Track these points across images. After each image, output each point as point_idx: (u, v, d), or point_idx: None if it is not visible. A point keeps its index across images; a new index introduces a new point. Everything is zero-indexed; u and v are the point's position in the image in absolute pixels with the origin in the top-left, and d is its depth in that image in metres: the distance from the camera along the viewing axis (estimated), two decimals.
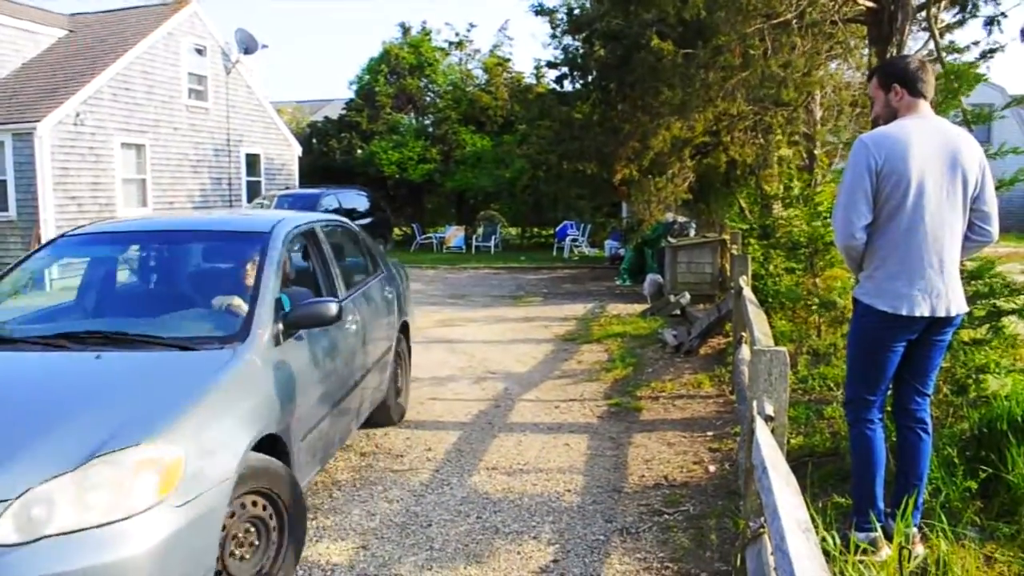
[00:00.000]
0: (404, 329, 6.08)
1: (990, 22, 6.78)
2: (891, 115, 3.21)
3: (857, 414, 3.29)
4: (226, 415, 3.07)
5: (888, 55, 5.99)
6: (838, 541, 2.84)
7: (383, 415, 5.52)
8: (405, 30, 25.82)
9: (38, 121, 14.63)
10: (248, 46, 19.94)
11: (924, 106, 3.17)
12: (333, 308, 3.76)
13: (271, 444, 3.33)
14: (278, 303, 3.76)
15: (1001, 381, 4.00)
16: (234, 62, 19.69)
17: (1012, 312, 4.14)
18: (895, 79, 3.19)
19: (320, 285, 4.55)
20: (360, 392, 4.72)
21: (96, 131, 15.90)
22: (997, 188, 4.20)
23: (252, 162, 20.72)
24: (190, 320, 3.93)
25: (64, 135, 15.20)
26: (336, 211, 15.77)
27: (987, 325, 4.16)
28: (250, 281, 3.91)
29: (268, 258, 3.97)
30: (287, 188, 19.94)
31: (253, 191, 20.28)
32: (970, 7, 6.76)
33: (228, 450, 2.94)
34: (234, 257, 4.40)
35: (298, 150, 22.74)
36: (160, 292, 4.53)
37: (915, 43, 7.42)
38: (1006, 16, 6.82)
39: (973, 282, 4.08)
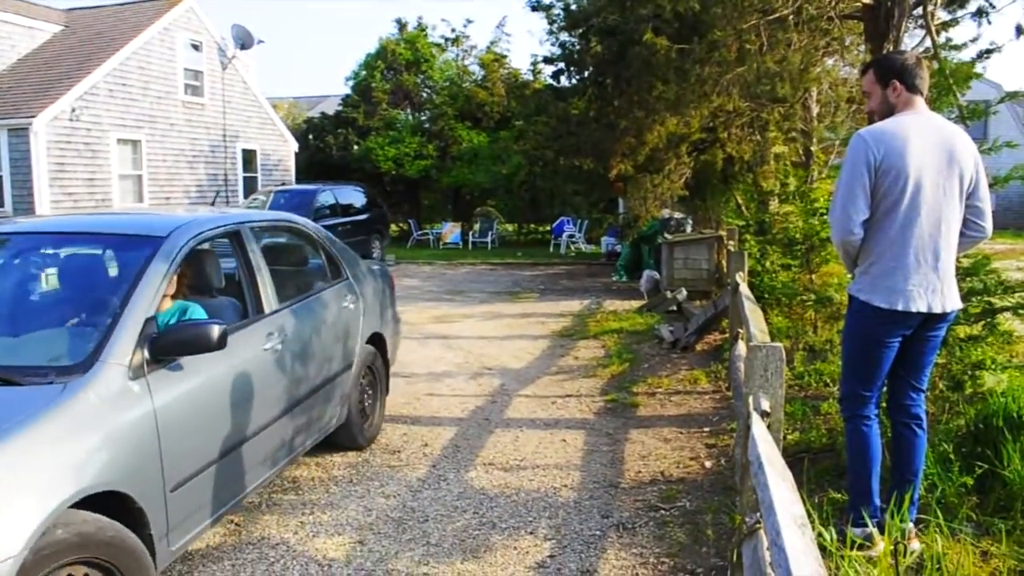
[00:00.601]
0: (377, 342, 5.38)
1: (979, 14, 6.77)
2: (888, 110, 3.19)
3: (853, 410, 3.28)
4: (19, 473, 2.42)
5: (885, 52, 5.98)
6: (834, 536, 2.84)
7: (347, 439, 4.95)
8: (402, 26, 25.77)
9: (34, 116, 14.59)
10: (244, 42, 19.89)
11: (920, 102, 3.16)
12: (214, 332, 3.11)
13: (120, 501, 2.78)
14: (149, 323, 3.12)
15: (997, 377, 4.00)
16: (230, 58, 19.63)
17: (1006, 309, 4.15)
18: (893, 74, 3.16)
19: (245, 297, 3.99)
20: (287, 423, 4.03)
21: (92, 127, 15.86)
22: (991, 185, 4.22)
23: (248, 158, 20.68)
24: (34, 344, 3.30)
25: (60, 130, 15.16)
26: (333, 207, 15.74)
27: (982, 322, 4.16)
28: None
29: (148, 269, 3.30)
30: (283, 184, 19.90)
31: (249, 187, 20.24)
32: (959, 0, 6.75)
33: (14, 522, 2.32)
34: (114, 266, 3.72)
35: (294, 146, 22.70)
36: (9, 307, 3.69)
37: (911, 40, 7.42)
38: (995, 8, 6.81)
39: (968, 279, 4.09)
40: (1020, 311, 4.11)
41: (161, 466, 2.99)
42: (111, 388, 2.87)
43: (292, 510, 4.16)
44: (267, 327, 3.96)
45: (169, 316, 3.53)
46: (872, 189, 3.05)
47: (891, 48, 5.98)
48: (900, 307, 3.06)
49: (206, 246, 3.81)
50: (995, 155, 4.19)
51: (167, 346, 3.10)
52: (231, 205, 18.69)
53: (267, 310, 4.02)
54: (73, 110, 15.35)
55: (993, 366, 4.07)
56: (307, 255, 5.08)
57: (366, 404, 5.19)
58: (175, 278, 3.52)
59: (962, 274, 3.83)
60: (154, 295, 3.24)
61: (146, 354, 3.04)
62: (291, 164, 22.49)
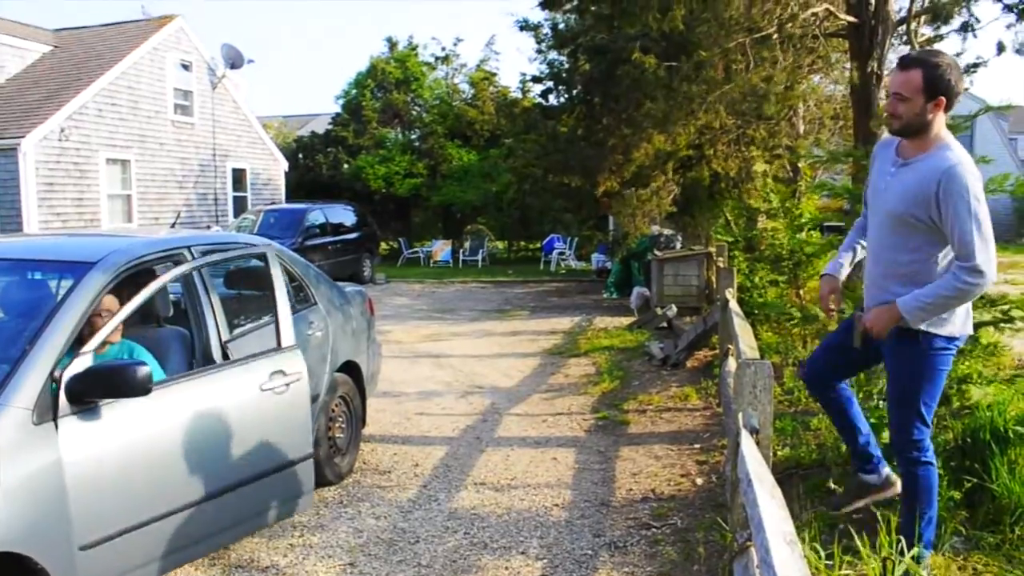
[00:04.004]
0: (352, 371, 5.07)
1: (964, 28, 6.87)
2: (921, 125, 2.86)
3: (925, 453, 3.05)
4: None
5: (869, 69, 6.06)
6: (821, 554, 2.85)
7: (316, 475, 4.24)
8: (392, 44, 25.91)
9: (22, 137, 14.57)
10: (234, 61, 19.94)
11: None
12: (140, 373, 2.76)
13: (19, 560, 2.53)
14: (74, 360, 2.82)
15: (983, 391, 4.03)
16: (220, 77, 19.67)
17: (988, 324, 4.18)
18: (943, 93, 2.82)
19: (191, 327, 3.68)
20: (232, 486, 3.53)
21: (81, 146, 15.84)
22: None
23: (238, 177, 20.68)
24: None
25: (49, 151, 15.13)
26: (323, 226, 15.74)
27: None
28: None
29: (68, 300, 2.95)
30: (273, 203, 19.90)
31: (240, 206, 20.23)
32: (944, 16, 6.84)
33: None
34: (34, 296, 3.42)
35: (284, 165, 22.72)
36: None
37: (896, 56, 7.50)
38: (979, 21, 6.92)
39: None
40: (1001, 324, 4.15)
41: (70, 522, 2.68)
42: (9, 435, 2.58)
43: (281, 532, 4.13)
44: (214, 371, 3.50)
45: (115, 355, 3.32)
46: None
47: (875, 65, 6.06)
48: (969, 329, 3.02)
49: (152, 269, 3.53)
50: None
51: (84, 389, 2.76)
52: (221, 225, 18.68)
53: (213, 342, 3.63)
54: (62, 130, 15.33)
55: (979, 380, 4.09)
56: (265, 279, 4.51)
57: (337, 438, 4.79)
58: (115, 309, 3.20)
59: None
60: (73, 328, 2.88)
61: (62, 397, 2.73)
62: (281, 183, 22.49)
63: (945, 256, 2.89)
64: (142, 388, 2.79)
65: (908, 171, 2.92)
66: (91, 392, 2.79)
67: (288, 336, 3.87)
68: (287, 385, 3.70)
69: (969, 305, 3.00)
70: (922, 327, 2.90)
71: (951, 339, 2.95)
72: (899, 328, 2.95)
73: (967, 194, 2.72)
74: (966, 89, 6.40)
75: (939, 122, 2.86)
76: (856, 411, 3.41)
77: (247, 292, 4.58)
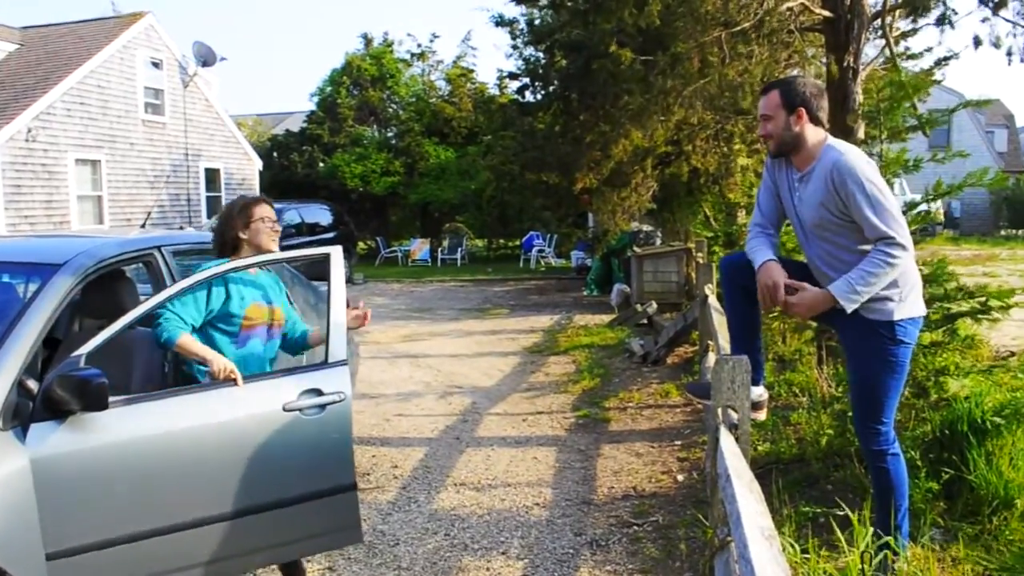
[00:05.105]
0: None
1: (941, 21, 6.95)
2: (791, 138, 3.04)
3: (891, 444, 3.09)
4: None
5: (845, 63, 6.12)
6: (797, 548, 2.88)
7: None
8: (367, 41, 25.82)
9: None
10: (206, 59, 19.79)
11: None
12: (95, 383, 2.63)
13: None
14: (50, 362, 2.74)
15: (961, 383, 4.08)
16: (192, 75, 19.50)
17: (964, 315, 4.24)
18: (800, 104, 3.03)
19: None
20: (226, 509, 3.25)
21: (49, 147, 15.63)
22: (946, 193, 4.35)
23: (212, 177, 20.52)
24: None
25: (16, 152, 14.91)
26: (298, 226, 15.66)
27: (943, 328, 4.25)
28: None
29: (34, 304, 2.90)
30: None
31: (213, 207, 20.06)
32: (920, 9, 6.91)
33: None
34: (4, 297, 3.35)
35: (259, 164, 22.57)
36: None
37: (872, 50, 7.59)
38: (956, 14, 6.99)
39: (928, 285, 4.18)
40: (979, 315, 4.21)
41: (38, 532, 2.62)
42: None
43: None
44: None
45: (264, 284, 3.36)
46: None
47: (851, 60, 6.12)
48: (925, 310, 3.10)
49: (122, 271, 3.47)
50: (949, 162, 4.32)
51: (54, 396, 2.67)
52: (194, 225, 18.52)
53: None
54: (29, 130, 15.11)
55: (956, 371, 4.15)
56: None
57: None
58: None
59: (923, 280, 3.90)
60: (40, 331, 2.82)
61: (34, 403, 2.66)
62: (255, 182, 22.34)
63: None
64: (94, 401, 2.65)
65: (807, 183, 3.05)
66: (62, 400, 2.68)
67: (339, 350, 3.25)
68: (322, 407, 3.14)
69: (919, 286, 3.08)
70: (870, 316, 2.97)
71: (905, 325, 2.99)
72: (855, 320, 2.99)
73: (859, 177, 2.87)
74: (938, 83, 6.50)
75: (812, 132, 3.03)
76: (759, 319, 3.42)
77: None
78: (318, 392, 3.12)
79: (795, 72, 9.47)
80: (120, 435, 2.83)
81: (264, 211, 3.36)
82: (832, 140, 3.05)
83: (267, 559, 3.29)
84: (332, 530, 3.30)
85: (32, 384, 2.75)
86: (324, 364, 3.21)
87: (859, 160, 2.94)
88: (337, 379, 3.18)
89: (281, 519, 3.14)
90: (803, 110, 3.01)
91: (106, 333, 2.86)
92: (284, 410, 3.06)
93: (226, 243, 3.35)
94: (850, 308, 2.91)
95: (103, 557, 2.78)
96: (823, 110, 3.07)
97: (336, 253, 3.46)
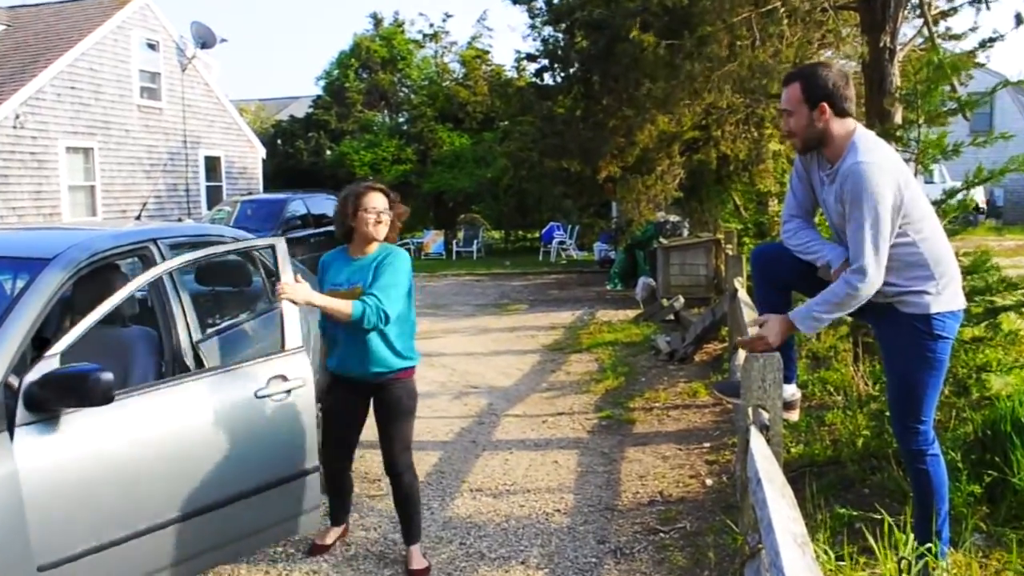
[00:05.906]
0: None
1: (976, 0, 6.91)
2: (816, 134, 3.04)
3: (931, 444, 3.11)
4: None
5: (881, 44, 6.11)
6: (832, 555, 2.91)
7: None
8: (377, 21, 25.90)
9: None
10: (205, 40, 19.91)
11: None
12: (100, 379, 2.68)
13: None
14: (38, 362, 2.76)
15: (1004, 380, 4.10)
16: (190, 58, 19.64)
17: (1010, 308, 4.25)
18: (824, 98, 3.01)
19: (159, 327, 3.63)
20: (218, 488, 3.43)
21: (38, 134, 15.75)
22: (987, 179, 4.35)
23: (212, 166, 20.67)
24: None
25: (2, 140, 15.04)
26: (304, 217, 15.76)
27: (985, 322, 4.27)
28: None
29: (21, 300, 2.90)
30: (250, 193, 19.90)
31: (213, 197, 20.22)
32: None
33: None
34: None
35: (262, 152, 22.71)
36: None
37: (911, 30, 7.56)
38: None
39: (968, 277, 4.19)
40: (1023, 310, 4.22)
41: (27, 539, 2.63)
42: None
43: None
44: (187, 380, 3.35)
45: (377, 257, 3.77)
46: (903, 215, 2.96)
47: (888, 40, 6.11)
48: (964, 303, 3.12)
49: (116, 265, 3.53)
50: (990, 146, 4.33)
51: (43, 396, 2.70)
52: (193, 217, 18.68)
53: (184, 343, 3.59)
54: (17, 117, 15.21)
55: (999, 368, 4.16)
56: (241, 275, 4.65)
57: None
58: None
59: (964, 272, 3.92)
60: (28, 330, 2.84)
61: (19, 405, 2.67)
62: (258, 172, 22.50)
63: (919, 231, 2.97)
64: (99, 398, 2.69)
65: (832, 181, 3.07)
66: (51, 400, 2.72)
67: (294, 337, 3.64)
68: (288, 392, 3.49)
69: (958, 278, 3.09)
70: (906, 309, 2.99)
71: (943, 319, 3.00)
72: (890, 314, 3.04)
73: (865, 193, 2.85)
74: (981, 65, 6.45)
75: (838, 125, 3.01)
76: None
77: (221, 288, 4.59)
78: (283, 378, 3.48)
79: (828, 55, 9.45)
80: (106, 433, 2.91)
81: (371, 201, 3.74)
82: (859, 135, 3.01)
83: (251, 546, 3.58)
84: (298, 513, 3.64)
85: (23, 384, 2.75)
86: (282, 351, 3.57)
87: (874, 172, 2.87)
88: (297, 365, 3.59)
89: (257, 506, 3.41)
90: (826, 105, 2.99)
91: (78, 330, 2.89)
92: (256, 397, 3.37)
93: (342, 231, 3.84)
94: (809, 332, 3.07)
95: (92, 562, 2.83)
96: (849, 100, 3.04)
97: (280, 244, 3.89)
